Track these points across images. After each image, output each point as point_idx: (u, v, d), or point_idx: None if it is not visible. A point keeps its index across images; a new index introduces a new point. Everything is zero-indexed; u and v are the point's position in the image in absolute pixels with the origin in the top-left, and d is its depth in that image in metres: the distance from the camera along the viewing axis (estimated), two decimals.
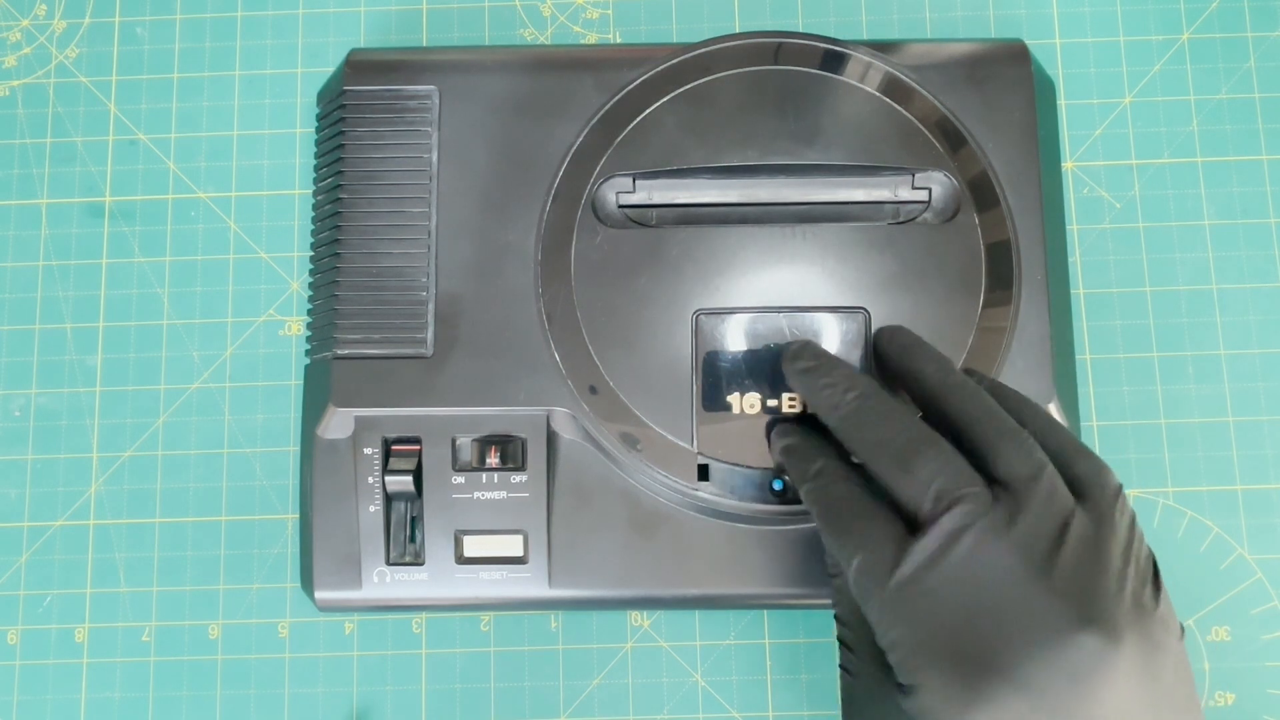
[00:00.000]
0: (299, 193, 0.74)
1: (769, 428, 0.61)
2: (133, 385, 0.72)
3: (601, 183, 0.63)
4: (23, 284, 0.73)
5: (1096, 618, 0.47)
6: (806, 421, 0.61)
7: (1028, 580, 0.48)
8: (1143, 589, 0.49)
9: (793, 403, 0.61)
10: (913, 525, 0.52)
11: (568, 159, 0.64)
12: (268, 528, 0.71)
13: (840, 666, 0.56)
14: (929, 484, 0.51)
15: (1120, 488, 0.52)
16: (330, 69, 0.71)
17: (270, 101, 0.75)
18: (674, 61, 0.65)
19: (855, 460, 0.56)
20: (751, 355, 0.62)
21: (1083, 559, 0.49)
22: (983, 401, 0.54)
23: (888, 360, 0.60)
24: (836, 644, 0.57)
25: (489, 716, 0.69)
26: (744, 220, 0.63)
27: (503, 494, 0.62)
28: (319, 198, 0.66)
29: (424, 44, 0.76)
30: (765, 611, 0.70)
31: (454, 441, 0.63)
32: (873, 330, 0.62)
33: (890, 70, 0.65)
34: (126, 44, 0.76)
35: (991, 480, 0.51)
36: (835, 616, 0.57)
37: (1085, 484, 0.51)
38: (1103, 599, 0.48)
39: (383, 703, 0.69)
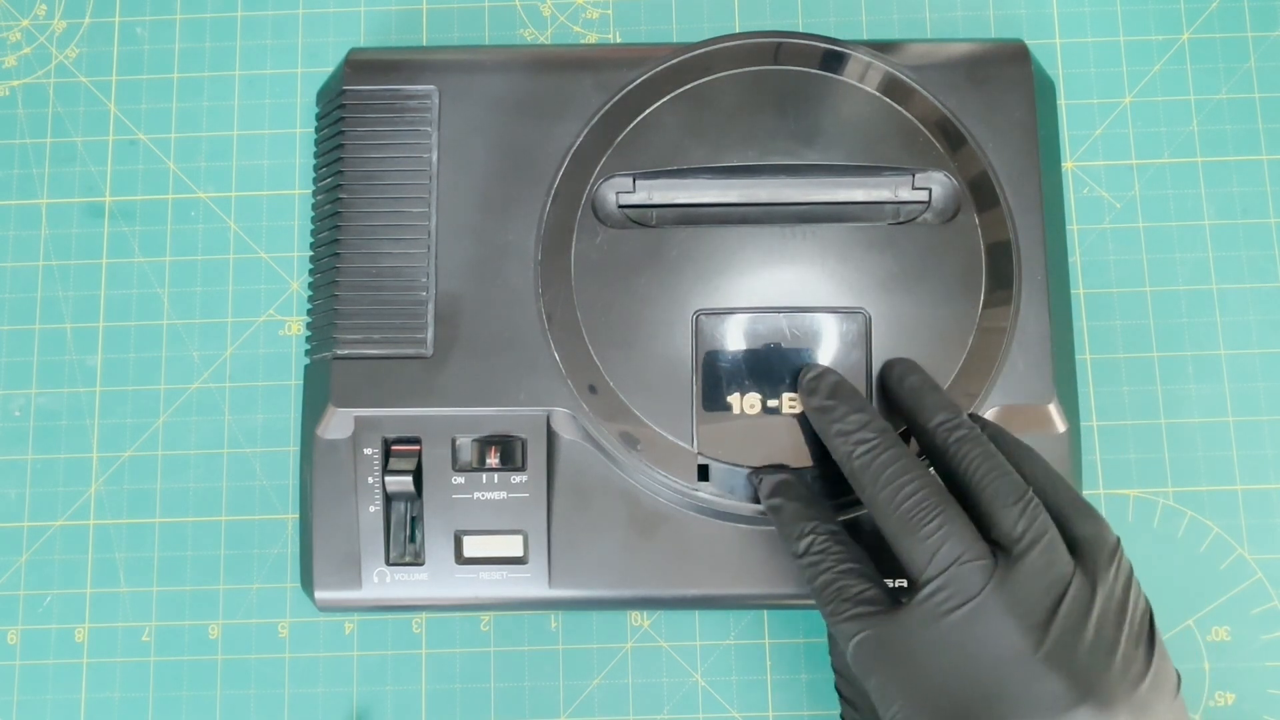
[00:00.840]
0: (299, 193, 0.74)
1: (757, 479, 0.61)
2: (133, 385, 0.72)
3: (601, 183, 0.63)
4: (23, 284, 0.73)
5: (1090, 693, 0.48)
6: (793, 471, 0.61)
7: (1023, 652, 0.49)
8: (1135, 652, 0.50)
9: (793, 403, 0.61)
10: (911, 585, 0.52)
11: (568, 159, 0.64)
12: (268, 528, 0.71)
13: (844, 700, 0.58)
14: (934, 553, 0.51)
15: (1117, 544, 0.52)
16: (330, 69, 0.71)
17: (270, 101, 0.75)
18: (674, 61, 0.65)
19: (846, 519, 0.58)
20: (752, 355, 0.62)
21: (1077, 625, 0.49)
22: (990, 459, 0.54)
23: (895, 400, 0.60)
24: (837, 695, 0.59)
25: (489, 716, 0.69)
26: (744, 220, 0.63)
27: (503, 494, 0.62)
28: (319, 197, 0.66)
29: (424, 44, 0.76)
30: (765, 611, 0.70)
31: (454, 442, 0.63)
32: (882, 351, 0.62)
33: (890, 70, 0.65)
34: (126, 44, 0.76)
35: (992, 540, 0.52)
36: (833, 668, 0.59)
37: (1084, 543, 0.52)
38: (1095, 671, 0.48)
39: (383, 703, 0.69)
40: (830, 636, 0.59)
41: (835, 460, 0.57)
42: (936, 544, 0.51)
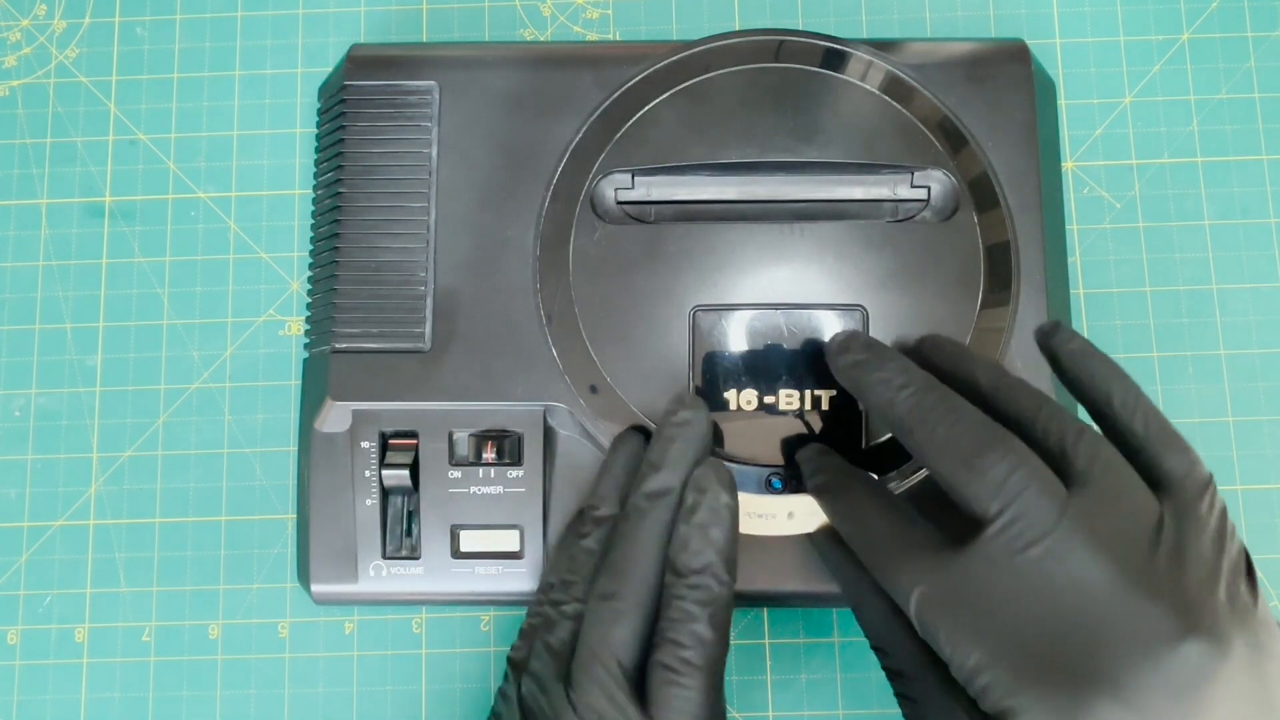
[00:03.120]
0: (299, 193, 0.74)
1: (795, 456, 0.60)
2: (133, 385, 0.72)
3: (600, 179, 0.64)
4: (23, 284, 0.73)
5: (1199, 625, 0.44)
6: (828, 428, 0.61)
7: (1117, 585, 0.45)
8: (1238, 587, 0.46)
9: (790, 399, 0.61)
10: (975, 526, 0.48)
11: (567, 155, 0.64)
12: (268, 528, 0.71)
13: (898, 696, 0.54)
14: (1000, 484, 0.48)
15: (1210, 479, 0.49)
16: (330, 69, 0.71)
17: (270, 101, 0.75)
18: (674, 58, 0.65)
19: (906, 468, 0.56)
20: (749, 352, 0.62)
21: (1174, 559, 0.46)
22: (1043, 398, 0.52)
23: (937, 369, 0.55)
24: (885, 676, 0.55)
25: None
26: (742, 217, 0.63)
27: (499, 489, 0.62)
28: (319, 192, 0.66)
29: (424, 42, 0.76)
30: (765, 611, 0.70)
31: (451, 436, 0.63)
32: (912, 339, 0.61)
33: (890, 69, 0.65)
34: (126, 44, 0.76)
35: (1065, 480, 0.48)
36: (873, 649, 0.55)
37: (1172, 478, 0.48)
38: (1202, 603, 0.45)
39: (383, 703, 0.69)
40: (865, 621, 0.56)
41: (876, 414, 0.56)
42: (1002, 474, 0.47)
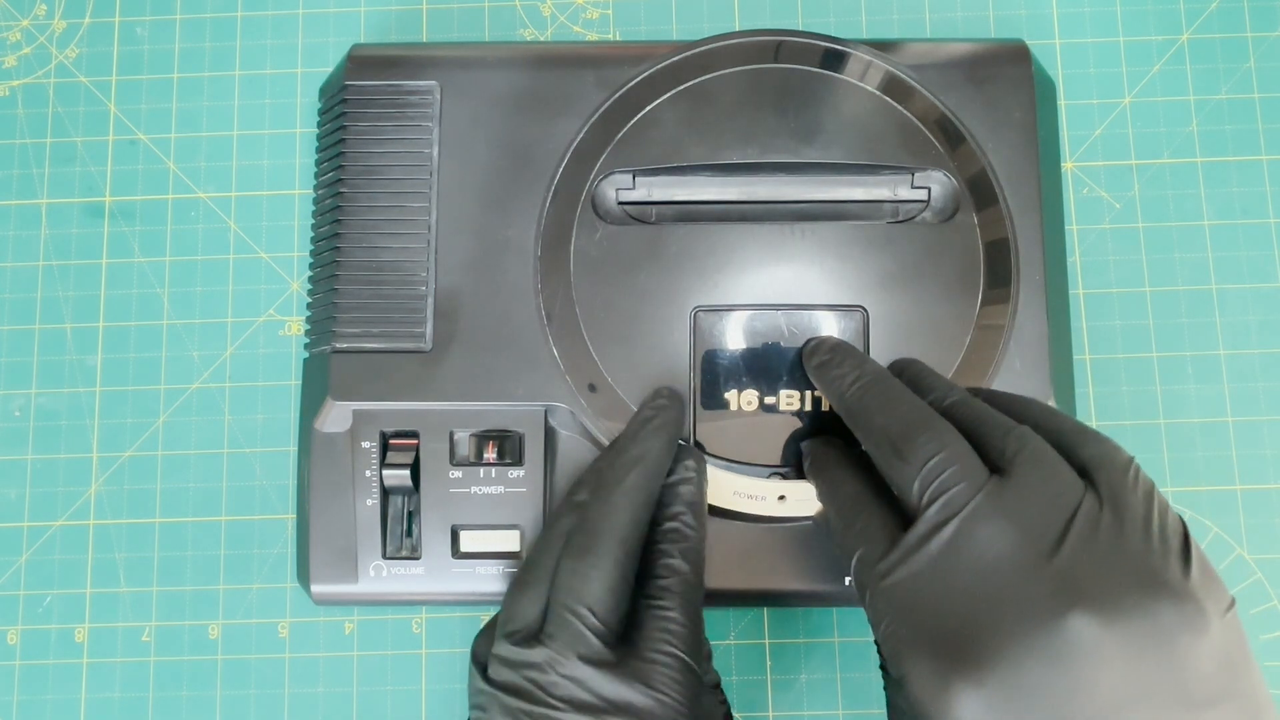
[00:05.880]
0: (299, 193, 0.74)
1: (800, 444, 0.62)
2: (133, 385, 0.72)
3: (601, 179, 0.64)
4: (23, 284, 0.73)
5: (1089, 598, 0.44)
6: (829, 428, 0.62)
7: (1022, 565, 0.46)
8: (1165, 564, 0.45)
9: (790, 400, 0.61)
10: (910, 515, 0.51)
11: (568, 155, 0.64)
12: (267, 528, 0.71)
13: (880, 668, 0.55)
14: (923, 463, 0.50)
15: (1130, 460, 0.49)
16: (330, 69, 0.71)
17: (270, 101, 0.75)
18: (675, 59, 0.65)
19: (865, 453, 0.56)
20: (750, 352, 0.62)
21: (1089, 540, 0.46)
22: (980, 407, 0.53)
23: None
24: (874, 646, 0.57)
25: None
26: (743, 218, 0.63)
27: (500, 489, 0.62)
28: (320, 192, 0.66)
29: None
30: (765, 611, 0.70)
31: (452, 436, 0.63)
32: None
33: (890, 69, 0.65)
34: (126, 44, 0.76)
35: (992, 470, 0.50)
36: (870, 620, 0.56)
37: (1093, 465, 0.49)
38: (1103, 579, 0.45)
39: (383, 703, 0.69)
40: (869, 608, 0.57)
41: (837, 410, 0.57)
42: (923, 461, 0.50)
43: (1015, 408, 0.54)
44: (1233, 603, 0.46)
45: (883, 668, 0.54)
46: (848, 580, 0.61)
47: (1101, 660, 0.43)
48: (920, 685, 0.46)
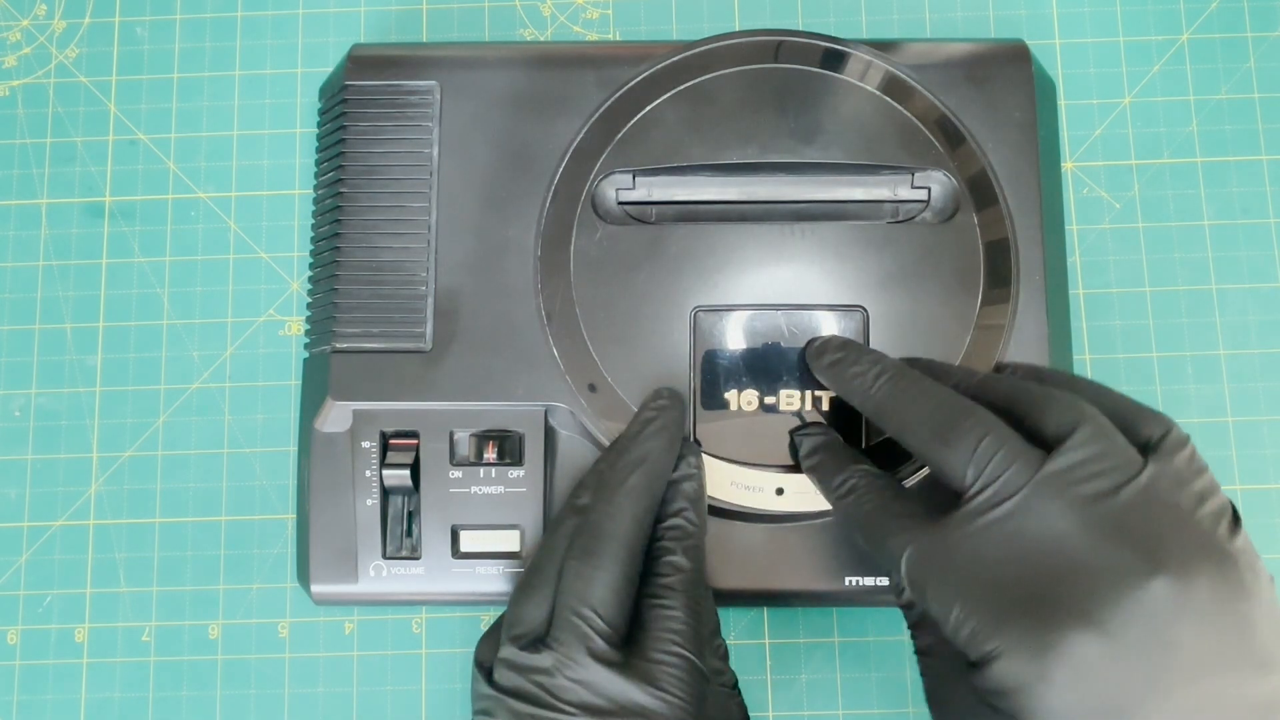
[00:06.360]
0: (299, 193, 0.74)
1: (790, 436, 0.62)
2: (133, 385, 0.72)
3: (601, 179, 0.64)
4: (23, 284, 0.73)
5: (1167, 564, 0.45)
6: (822, 422, 0.62)
7: (1088, 532, 0.47)
8: (1216, 530, 0.47)
9: (790, 400, 0.61)
10: (959, 500, 0.50)
11: (568, 155, 0.64)
12: (267, 528, 0.71)
13: (917, 652, 0.55)
14: (972, 449, 0.50)
15: (1187, 439, 0.50)
16: (330, 69, 0.71)
17: (270, 101, 0.75)
18: (675, 59, 0.65)
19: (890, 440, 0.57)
20: (750, 352, 0.62)
21: (1149, 507, 0.47)
22: (1017, 382, 0.54)
23: None
24: (908, 633, 0.56)
25: None
26: (743, 218, 0.63)
27: (500, 489, 0.62)
28: (320, 192, 0.66)
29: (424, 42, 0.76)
30: (765, 611, 0.70)
31: (452, 436, 0.63)
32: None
33: (890, 69, 0.65)
34: (126, 44, 0.76)
35: (1043, 445, 0.50)
36: (901, 607, 0.56)
37: (1153, 440, 0.50)
38: (1172, 542, 0.46)
39: (383, 703, 0.69)
40: (894, 582, 0.56)
41: (860, 407, 0.57)
42: (973, 442, 0.50)
43: (1070, 385, 0.54)
44: (1272, 578, 0.48)
45: (921, 652, 0.54)
46: (847, 581, 0.61)
47: (1184, 621, 0.45)
48: (1016, 655, 0.46)
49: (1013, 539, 0.48)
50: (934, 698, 0.54)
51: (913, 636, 0.56)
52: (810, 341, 0.61)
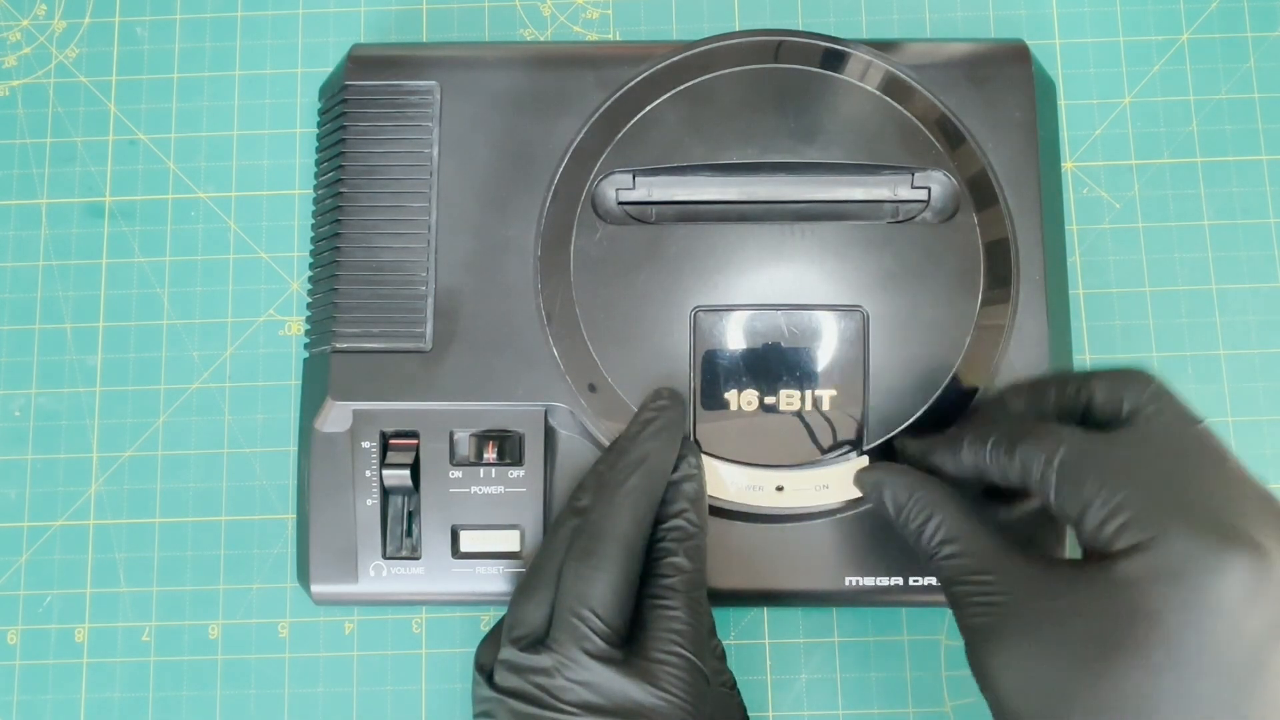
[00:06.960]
0: (299, 193, 0.74)
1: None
2: (133, 385, 0.72)
3: (601, 179, 0.64)
4: (23, 284, 0.73)
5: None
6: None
7: (1249, 475, 0.50)
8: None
9: (790, 400, 0.61)
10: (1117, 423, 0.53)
11: (568, 155, 0.64)
12: (268, 528, 0.71)
13: (977, 603, 0.51)
14: (1143, 390, 0.53)
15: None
16: (330, 69, 0.71)
17: (270, 101, 0.75)
18: (675, 59, 0.65)
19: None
20: (750, 353, 0.62)
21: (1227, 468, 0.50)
22: (1050, 381, 0.56)
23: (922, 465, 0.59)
24: (947, 592, 0.54)
25: None
26: (743, 218, 0.63)
27: (500, 489, 0.62)
28: (320, 192, 0.66)
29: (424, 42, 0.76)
30: (765, 611, 0.70)
31: (452, 436, 0.63)
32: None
33: (890, 69, 0.65)
34: (126, 44, 0.76)
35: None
36: (936, 547, 0.54)
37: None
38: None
39: (383, 703, 0.69)
40: (928, 525, 0.55)
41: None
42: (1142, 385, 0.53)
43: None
44: None
45: (982, 602, 0.51)
46: (847, 581, 0.61)
47: None
48: (1185, 545, 0.46)
49: (1164, 452, 0.50)
50: (998, 634, 0.51)
51: (962, 589, 0.53)
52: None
